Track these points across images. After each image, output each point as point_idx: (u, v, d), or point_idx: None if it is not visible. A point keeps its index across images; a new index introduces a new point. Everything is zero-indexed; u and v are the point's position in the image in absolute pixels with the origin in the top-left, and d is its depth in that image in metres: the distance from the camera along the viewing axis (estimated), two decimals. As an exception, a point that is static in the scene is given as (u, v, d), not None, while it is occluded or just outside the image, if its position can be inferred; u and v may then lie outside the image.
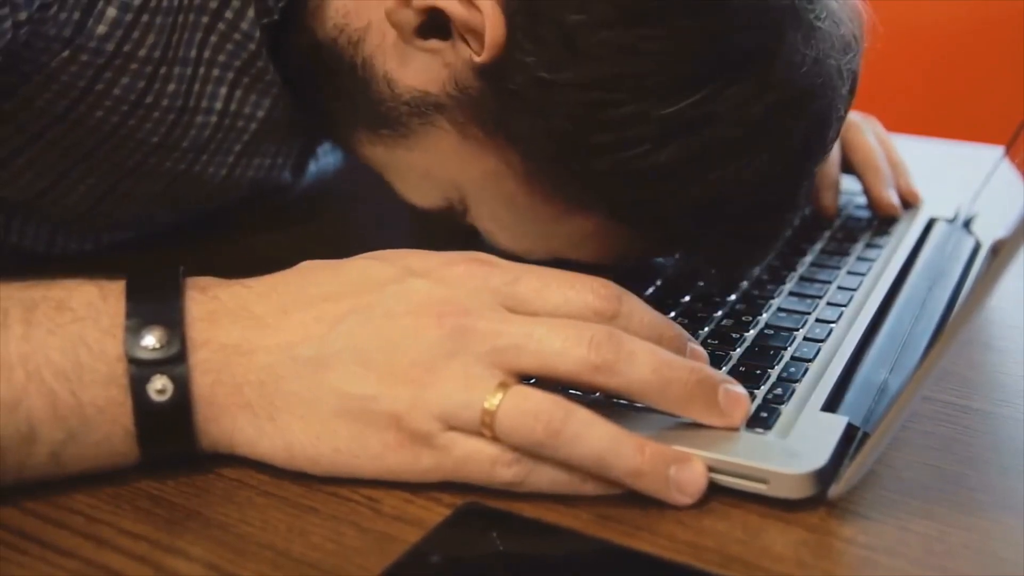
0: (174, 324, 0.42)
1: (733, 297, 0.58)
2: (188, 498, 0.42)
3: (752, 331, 0.54)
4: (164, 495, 0.42)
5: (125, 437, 0.42)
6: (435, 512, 0.41)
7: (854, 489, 0.42)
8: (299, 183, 0.74)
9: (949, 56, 1.51)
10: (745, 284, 0.60)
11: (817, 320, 0.55)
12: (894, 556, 0.39)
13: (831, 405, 0.46)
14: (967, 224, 0.69)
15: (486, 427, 0.41)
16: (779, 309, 0.57)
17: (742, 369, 0.50)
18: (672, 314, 0.56)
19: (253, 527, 0.41)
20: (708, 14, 0.47)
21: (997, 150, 0.68)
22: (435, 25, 0.51)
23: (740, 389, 0.44)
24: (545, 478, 0.42)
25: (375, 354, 0.42)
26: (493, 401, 0.41)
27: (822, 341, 0.53)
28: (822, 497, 0.42)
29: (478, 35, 0.50)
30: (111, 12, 0.52)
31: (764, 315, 0.56)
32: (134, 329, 0.42)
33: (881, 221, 0.70)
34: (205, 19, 0.56)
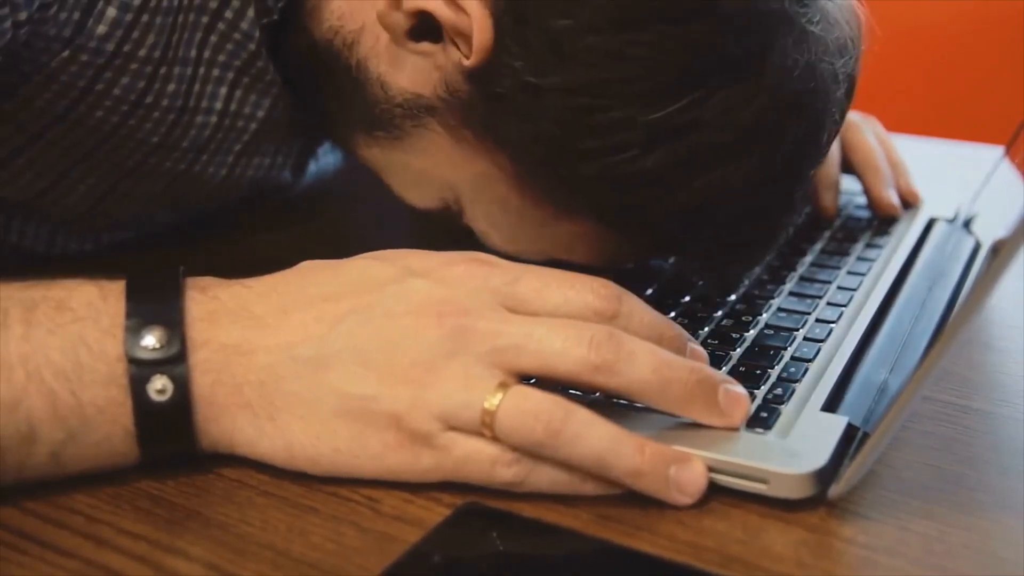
0: (174, 324, 0.42)
1: (733, 297, 0.58)
2: (188, 498, 0.42)
3: (752, 331, 0.54)
4: (164, 495, 0.42)
5: (125, 437, 0.42)
6: (435, 512, 0.41)
7: (854, 489, 0.42)
8: (299, 183, 0.74)
9: (949, 56, 1.51)
10: (745, 284, 0.60)
11: (817, 320, 0.55)
12: (894, 556, 0.39)
13: (831, 405, 0.46)
14: (967, 224, 0.69)
15: (486, 427, 0.41)
16: (779, 309, 0.57)
17: (742, 369, 0.50)
18: (672, 314, 0.56)
19: (253, 527, 0.41)
20: (695, 20, 0.47)
21: (997, 150, 0.68)
22: (426, 28, 0.51)
23: (740, 389, 0.44)
24: (545, 478, 0.42)
25: (375, 354, 0.42)
26: (493, 401, 0.41)
27: (822, 341, 0.53)
28: (822, 497, 0.42)
29: (466, 38, 0.50)
30: (111, 12, 0.52)
31: (764, 315, 0.56)
32: (134, 329, 0.42)
33: (881, 221, 0.70)
34: (205, 19, 0.56)
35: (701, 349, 0.46)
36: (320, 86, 0.58)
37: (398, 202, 0.60)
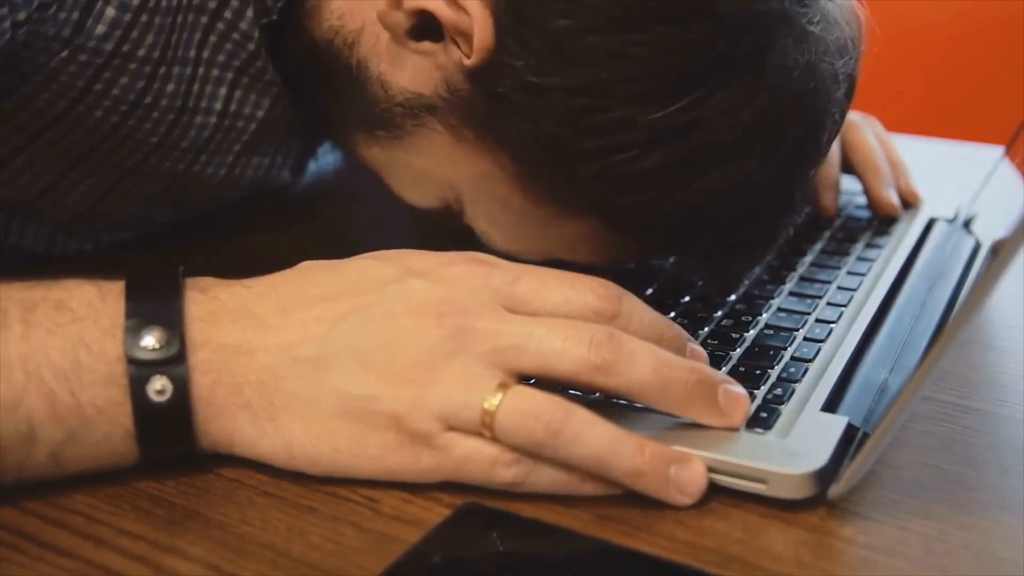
0: (174, 324, 0.42)
1: (733, 297, 0.58)
2: (188, 498, 0.42)
3: (752, 331, 0.54)
4: (164, 495, 0.42)
5: (125, 437, 0.42)
6: (435, 512, 0.41)
7: (854, 489, 0.42)
8: (299, 183, 0.74)
9: (949, 56, 1.51)
10: (745, 284, 0.60)
11: (817, 320, 0.55)
12: (894, 556, 0.39)
13: (831, 405, 0.46)
14: (967, 224, 0.69)
15: (486, 427, 0.41)
16: (779, 309, 0.57)
17: (742, 369, 0.50)
18: (672, 314, 0.56)
19: (253, 527, 0.41)
20: (695, 20, 0.47)
21: (997, 150, 0.68)
22: (427, 27, 0.51)
23: (740, 389, 0.44)
24: (545, 478, 0.42)
25: (375, 354, 0.42)
26: (493, 401, 0.41)
27: (822, 341, 0.53)
28: (822, 497, 0.42)
29: (467, 38, 0.50)
30: (110, 12, 0.52)
31: (764, 315, 0.56)
32: (134, 329, 0.42)
33: (881, 221, 0.70)
34: (204, 19, 0.56)
35: (701, 349, 0.46)
36: (320, 86, 0.58)
37: (398, 202, 0.60)
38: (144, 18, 0.53)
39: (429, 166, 0.56)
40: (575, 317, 0.43)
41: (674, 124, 0.48)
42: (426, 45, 0.52)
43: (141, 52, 0.54)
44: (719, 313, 0.56)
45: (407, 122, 0.54)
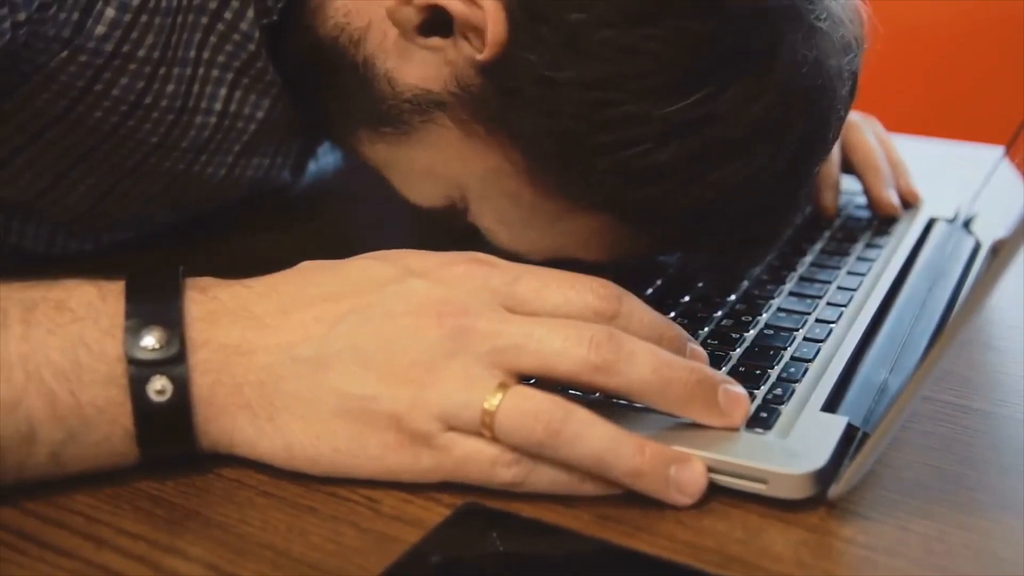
0: (173, 324, 0.42)
1: (733, 297, 0.58)
2: (188, 498, 0.42)
3: (752, 331, 0.54)
4: (164, 495, 0.42)
5: (124, 437, 0.42)
6: (435, 512, 0.41)
7: (854, 489, 0.42)
8: (299, 183, 0.74)
9: (949, 56, 1.51)
10: (745, 284, 0.60)
11: (817, 320, 0.55)
12: (894, 556, 0.39)
13: (831, 405, 0.46)
14: (967, 224, 0.69)
15: (486, 427, 0.41)
16: (779, 309, 0.57)
17: (742, 369, 0.50)
18: (672, 314, 0.55)
19: (253, 527, 0.41)
20: (706, 15, 0.47)
21: (997, 150, 0.68)
22: (437, 23, 0.51)
23: (740, 389, 0.44)
24: (545, 478, 0.42)
25: (375, 354, 0.42)
26: (493, 401, 0.41)
27: (822, 341, 0.53)
28: (822, 497, 0.42)
29: (480, 33, 0.50)
30: (110, 12, 0.52)
31: (764, 315, 0.56)
32: (134, 329, 0.42)
33: (881, 221, 0.70)
34: (204, 20, 0.56)
35: (701, 349, 0.46)
36: (322, 85, 0.58)
37: (398, 202, 0.60)
38: (144, 19, 0.53)
39: (436, 162, 0.56)
40: (575, 317, 0.43)
41: (687, 118, 0.48)
42: (435, 41, 0.52)
43: (141, 52, 0.54)
44: (719, 313, 0.56)
45: (415, 118, 0.54)
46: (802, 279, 0.61)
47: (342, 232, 0.73)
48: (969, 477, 0.45)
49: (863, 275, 0.61)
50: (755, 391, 0.47)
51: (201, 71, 0.58)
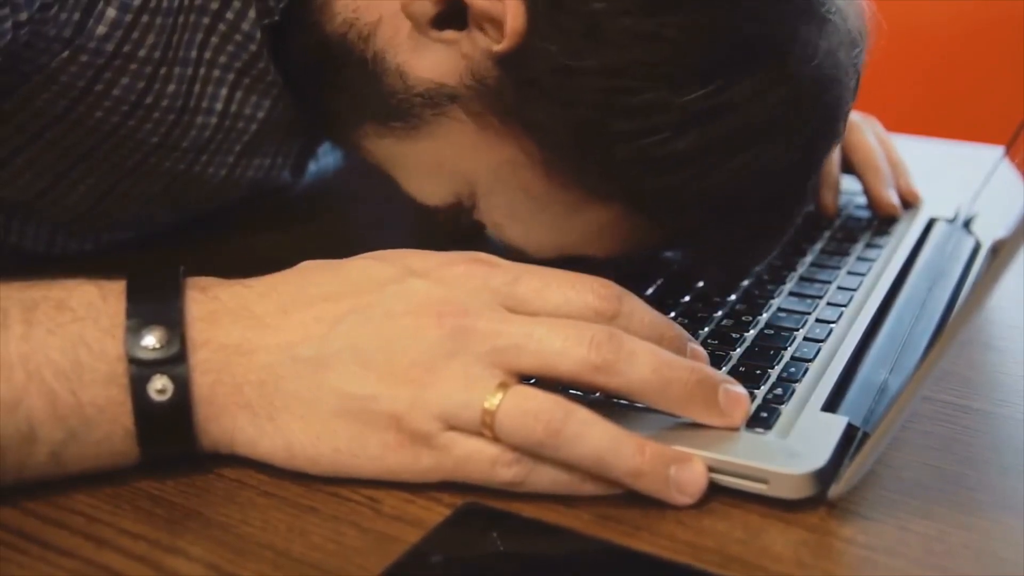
0: (174, 324, 0.42)
1: (733, 297, 0.58)
2: (188, 498, 0.42)
3: (752, 331, 0.54)
4: (164, 495, 0.42)
5: (125, 437, 0.42)
6: (435, 512, 0.41)
7: (854, 489, 0.42)
8: (299, 183, 0.74)
9: (949, 56, 1.51)
10: (745, 284, 0.60)
11: (817, 320, 0.55)
12: (894, 556, 0.39)
13: (831, 405, 0.46)
14: (967, 224, 0.69)
15: (486, 427, 0.41)
16: (779, 309, 0.57)
17: (742, 369, 0.50)
18: (672, 314, 0.56)
19: (253, 527, 0.41)
20: (726, 3, 0.48)
21: (997, 150, 0.68)
22: (451, 15, 0.52)
23: (740, 389, 0.44)
24: (545, 478, 0.42)
25: (375, 354, 0.42)
26: (493, 401, 0.41)
27: (822, 341, 0.53)
28: (822, 497, 0.42)
29: (497, 24, 0.50)
30: (111, 13, 0.52)
31: (764, 315, 0.56)
32: (134, 329, 0.42)
33: (881, 221, 0.70)
34: (206, 20, 0.56)
35: (701, 349, 0.46)
36: (327, 82, 0.58)
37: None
38: (145, 19, 0.53)
39: (446, 157, 0.56)
40: (576, 317, 0.43)
41: (706, 106, 0.49)
42: (449, 34, 0.52)
43: (142, 53, 0.54)
44: (719, 313, 0.56)
45: (426, 112, 0.54)
46: (802, 279, 0.61)
47: (342, 232, 0.73)
48: (969, 477, 0.45)
49: (863, 275, 0.61)
50: (755, 391, 0.47)
51: (202, 71, 0.58)
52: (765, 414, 0.45)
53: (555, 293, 0.44)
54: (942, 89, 1.53)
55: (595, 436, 0.41)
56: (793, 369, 0.50)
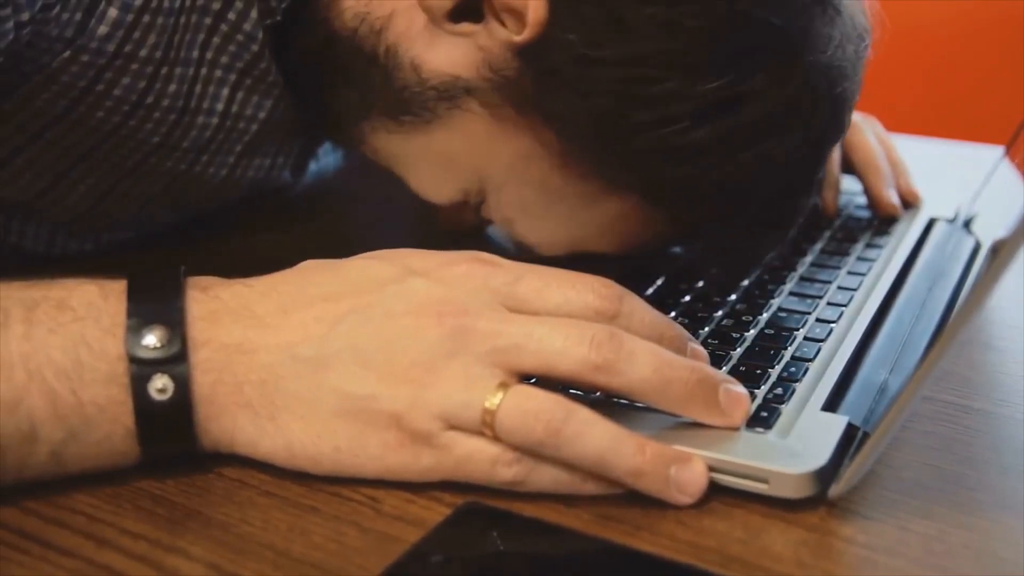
0: (175, 323, 0.42)
1: (733, 297, 0.58)
2: (189, 498, 0.42)
3: (752, 331, 0.54)
4: (165, 495, 0.42)
5: (126, 436, 0.42)
6: (436, 512, 0.41)
7: (854, 489, 0.42)
8: (299, 183, 0.74)
9: (949, 56, 1.51)
10: (745, 284, 0.60)
11: (817, 320, 0.55)
12: (894, 556, 0.39)
13: (831, 405, 0.46)
14: (967, 224, 0.69)
15: (487, 427, 0.41)
16: (779, 309, 0.57)
17: (742, 369, 0.50)
18: (672, 314, 0.56)
19: (254, 527, 0.41)
20: None
21: (997, 150, 0.68)
22: (467, 8, 0.52)
23: (740, 389, 0.44)
24: (546, 478, 0.42)
25: (375, 354, 0.42)
26: (494, 401, 0.41)
27: (822, 341, 0.53)
28: (822, 497, 0.42)
29: (517, 15, 0.50)
30: (112, 13, 0.52)
31: (764, 315, 0.56)
32: (135, 328, 0.42)
33: (881, 221, 0.70)
34: (207, 20, 0.56)
35: (702, 349, 0.46)
36: (331, 81, 0.58)
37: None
38: (147, 19, 0.53)
39: (459, 151, 0.56)
40: (576, 317, 0.43)
41: (725, 96, 0.49)
42: (465, 26, 0.52)
43: (143, 53, 0.54)
44: (719, 313, 0.56)
45: (440, 105, 0.54)
46: (802, 279, 0.61)
47: (342, 232, 0.74)
48: (969, 477, 0.45)
49: (863, 275, 0.61)
50: (755, 391, 0.47)
51: (203, 72, 0.58)
52: (765, 414, 0.45)
53: (555, 293, 0.44)
54: (942, 89, 1.53)
55: (596, 436, 0.41)
56: (793, 369, 0.50)
